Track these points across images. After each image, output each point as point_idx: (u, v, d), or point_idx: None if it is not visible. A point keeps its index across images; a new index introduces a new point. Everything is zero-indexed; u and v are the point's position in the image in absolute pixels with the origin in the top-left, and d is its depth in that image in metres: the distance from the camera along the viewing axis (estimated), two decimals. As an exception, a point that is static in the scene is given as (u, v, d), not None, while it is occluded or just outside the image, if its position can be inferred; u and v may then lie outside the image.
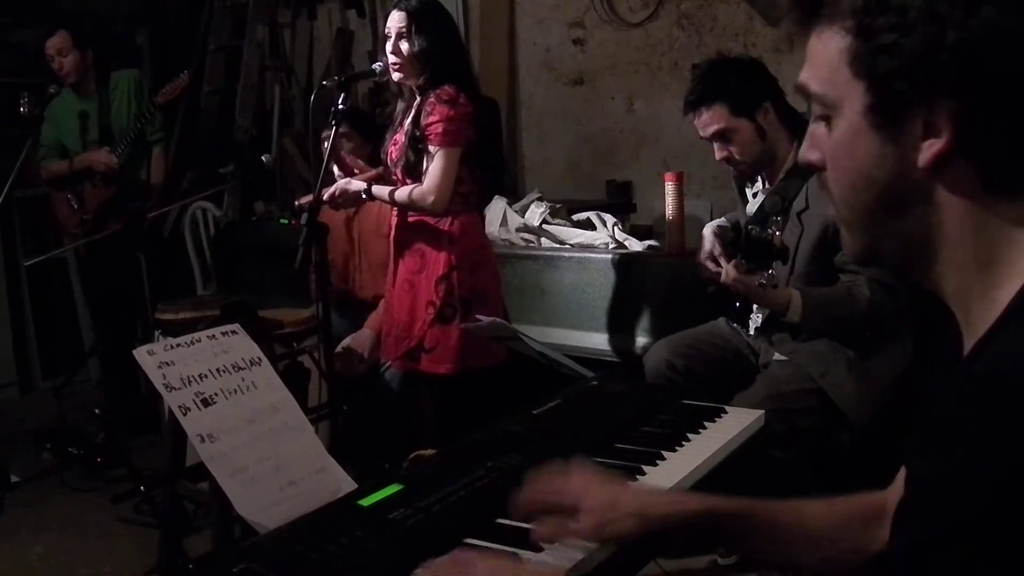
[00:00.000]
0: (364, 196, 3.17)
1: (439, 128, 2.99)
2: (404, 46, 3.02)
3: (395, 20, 3.05)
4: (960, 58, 0.85)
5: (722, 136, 2.84)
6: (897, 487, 1.25)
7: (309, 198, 3.08)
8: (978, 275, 0.91)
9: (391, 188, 3.12)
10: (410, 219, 3.16)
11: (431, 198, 3.02)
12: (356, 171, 3.35)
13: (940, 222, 0.91)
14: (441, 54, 3.02)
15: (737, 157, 2.87)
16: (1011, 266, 0.89)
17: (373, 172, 3.26)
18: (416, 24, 3.00)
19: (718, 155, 2.89)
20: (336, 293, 3.82)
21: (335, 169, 3.29)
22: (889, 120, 0.90)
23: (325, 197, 3.17)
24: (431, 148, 3.02)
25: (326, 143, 3.22)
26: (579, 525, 1.27)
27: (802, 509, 1.26)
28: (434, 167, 3.02)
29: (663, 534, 1.26)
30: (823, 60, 0.94)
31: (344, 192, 3.19)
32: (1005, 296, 0.88)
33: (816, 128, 0.99)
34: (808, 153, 1.01)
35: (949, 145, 0.87)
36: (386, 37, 3.08)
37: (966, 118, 0.86)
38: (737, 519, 1.24)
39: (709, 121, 2.83)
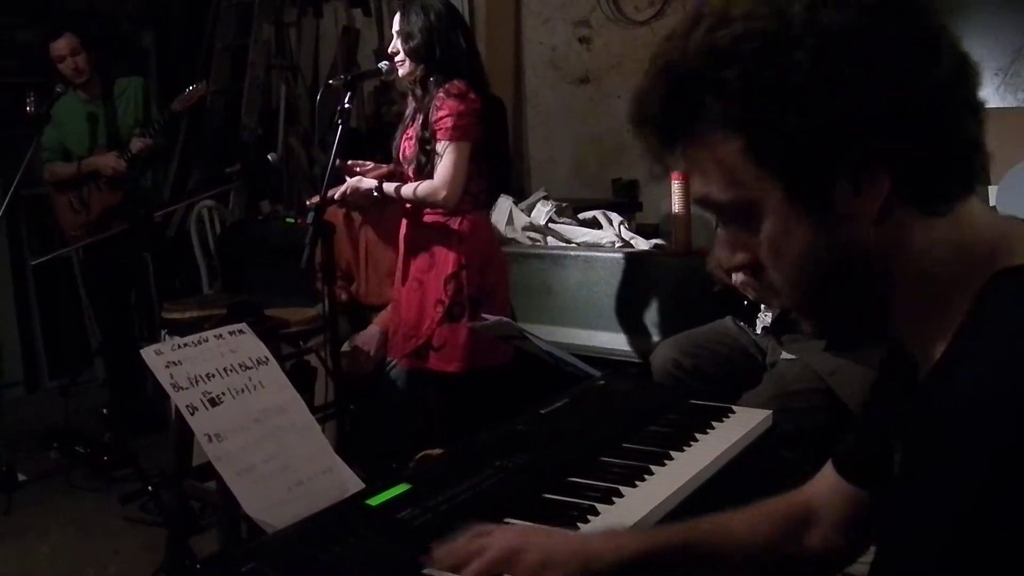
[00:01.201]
0: (375, 194, 3.16)
1: (448, 122, 2.98)
2: (400, 43, 3.03)
3: (396, 19, 3.09)
4: (873, 117, 0.83)
5: None
6: (819, 485, 1.25)
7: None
8: (931, 301, 0.91)
9: (402, 185, 3.12)
10: (425, 219, 3.15)
11: (443, 192, 3.01)
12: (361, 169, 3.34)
13: (895, 264, 0.90)
14: (437, 50, 3.02)
15: None
16: (956, 285, 0.89)
17: (384, 169, 3.25)
18: (411, 21, 3.01)
19: None
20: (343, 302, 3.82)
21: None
22: (816, 196, 0.87)
23: (336, 196, 3.17)
24: (440, 143, 3.01)
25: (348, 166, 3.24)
26: None
27: (731, 524, 1.25)
28: (444, 161, 3.01)
29: None
30: (718, 168, 0.90)
31: (355, 191, 3.19)
32: (953, 317, 0.88)
33: (728, 233, 0.96)
34: (734, 258, 0.97)
35: (890, 188, 0.86)
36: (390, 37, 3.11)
37: (896, 162, 0.85)
38: (675, 551, 1.21)
39: None
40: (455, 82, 3.00)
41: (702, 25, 0.88)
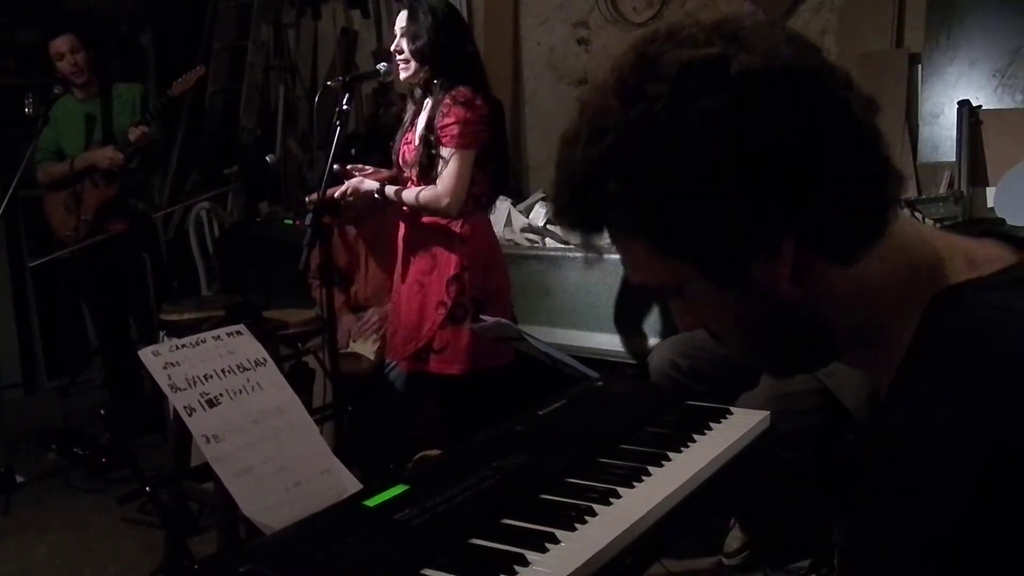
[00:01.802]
0: (376, 196, 3.15)
1: (454, 130, 2.97)
2: (405, 43, 3.02)
3: (401, 17, 3.06)
4: (756, 184, 0.83)
5: None
6: None
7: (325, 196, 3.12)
8: (874, 333, 0.92)
9: (404, 189, 3.11)
10: (424, 220, 3.14)
11: (446, 200, 3.00)
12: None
13: (825, 309, 0.91)
14: (443, 52, 3.01)
15: None
16: (896, 313, 0.89)
17: (386, 173, 3.24)
18: (418, 21, 3.00)
19: None
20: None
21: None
22: (729, 272, 0.89)
23: (336, 195, 3.16)
24: (445, 150, 3.00)
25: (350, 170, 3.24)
26: None
27: None
28: (449, 169, 3.00)
29: None
30: (639, 261, 0.93)
31: (356, 191, 3.17)
32: (900, 344, 0.89)
33: (677, 302, 0.98)
34: (685, 322, 1.00)
35: (795, 254, 0.86)
36: (394, 36, 3.09)
37: (797, 228, 0.85)
38: None
39: None
40: (461, 88, 2.99)
41: (581, 138, 0.89)
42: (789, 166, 0.83)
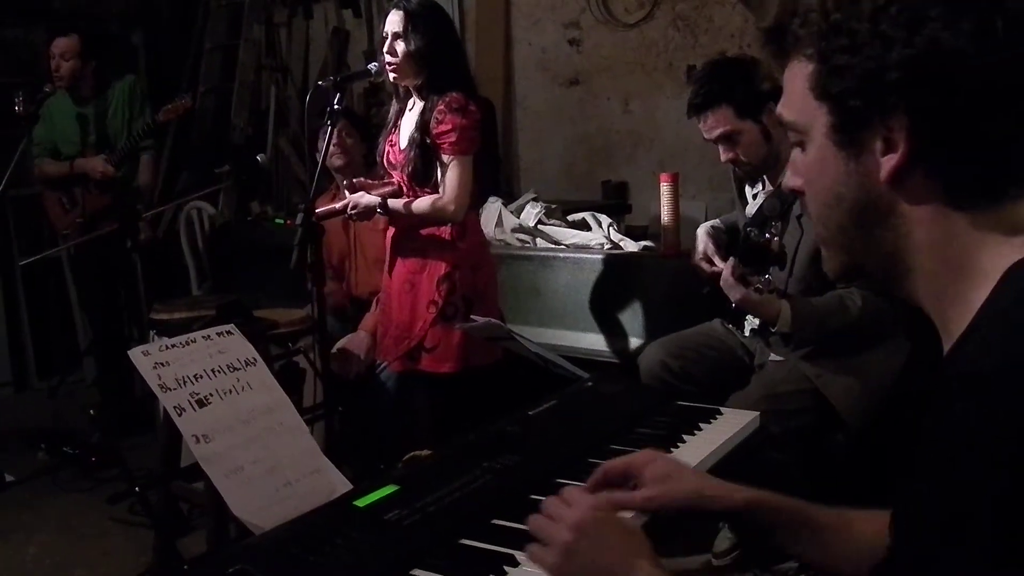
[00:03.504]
0: (379, 210, 3.14)
1: (452, 137, 2.98)
2: (400, 46, 3.01)
3: (393, 19, 3.04)
4: (906, 74, 0.87)
5: (728, 139, 2.83)
6: None
7: (327, 208, 3.18)
8: (951, 281, 0.93)
9: (410, 201, 3.10)
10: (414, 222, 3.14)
11: (451, 207, 3.02)
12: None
13: (908, 233, 0.94)
14: (438, 55, 3.01)
15: (743, 159, 2.85)
16: (982, 270, 0.90)
17: (388, 189, 3.22)
18: (413, 24, 2.99)
19: (724, 157, 2.88)
20: (337, 304, 3.82)
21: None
22: (850, 139, 0.93)
23: (338, 207, 3.18)
24: (444, 157, 3.01)
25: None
26: (634, 494, 1.32)
27: (850, 518, 1.26)
28: (451, 177, 3.01)
29: (709, 515, 1.32)
30: (793, 89, 0.99)
31: (356, 205, 3.16)
32: (978, 299, 0.90)
33: (795, 154, 1.03)
34: (791, 180, 1.05)
35: (904, 159, 0.90)
36: (384, 38, 3.07)
37: (918, 132, 0.88)
38: (786, 516, 1.27)
39: (715, 124, 2.82)
40: (453, 94, 2.99)
41: None
42: (941, 73, 0.86)
